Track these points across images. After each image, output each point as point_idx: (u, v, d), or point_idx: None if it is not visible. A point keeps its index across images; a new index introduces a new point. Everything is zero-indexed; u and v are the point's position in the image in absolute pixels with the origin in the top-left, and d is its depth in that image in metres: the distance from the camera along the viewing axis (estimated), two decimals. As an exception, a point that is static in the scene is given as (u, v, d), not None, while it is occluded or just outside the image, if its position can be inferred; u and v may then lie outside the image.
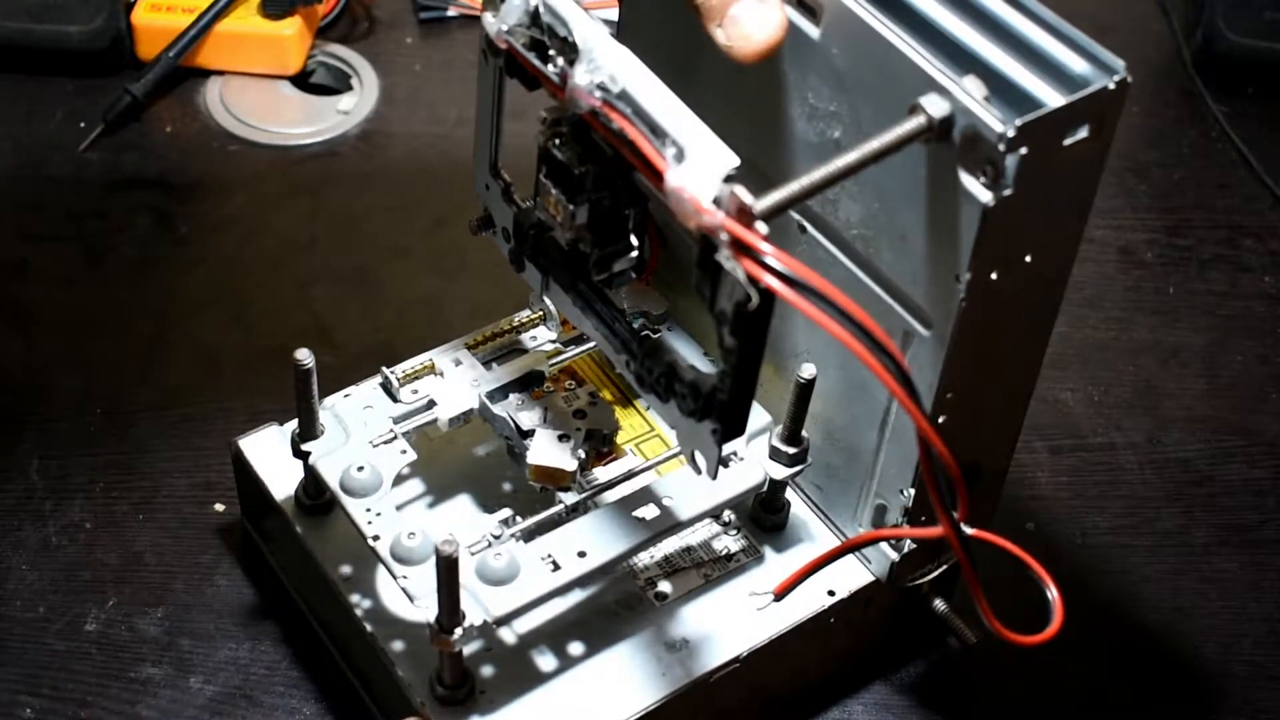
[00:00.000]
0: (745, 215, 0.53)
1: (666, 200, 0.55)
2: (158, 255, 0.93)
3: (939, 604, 0.73)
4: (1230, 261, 0.98)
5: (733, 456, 0.71)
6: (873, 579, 0.72)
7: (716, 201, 0.53)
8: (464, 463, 0.76)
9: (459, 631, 0.64)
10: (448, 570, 0.61)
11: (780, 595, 0.70)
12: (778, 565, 0.73)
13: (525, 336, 0.76)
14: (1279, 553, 0.83)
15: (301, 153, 1.00)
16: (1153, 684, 0.78)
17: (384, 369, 0.73)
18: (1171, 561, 0.83)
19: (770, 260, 0.52)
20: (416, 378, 0.73)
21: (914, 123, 0.57)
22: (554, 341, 0.76)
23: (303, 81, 1.05)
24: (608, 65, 0.57)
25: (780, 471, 0.71)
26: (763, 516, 0.74)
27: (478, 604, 0.64)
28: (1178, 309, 0.95)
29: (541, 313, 0.76)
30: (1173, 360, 0.92)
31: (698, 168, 0.54)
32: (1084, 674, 0.78)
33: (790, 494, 0.75)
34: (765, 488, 0.72)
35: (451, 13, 1.09)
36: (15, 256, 0.92)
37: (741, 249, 0.52)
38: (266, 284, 0.92)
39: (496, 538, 0.68)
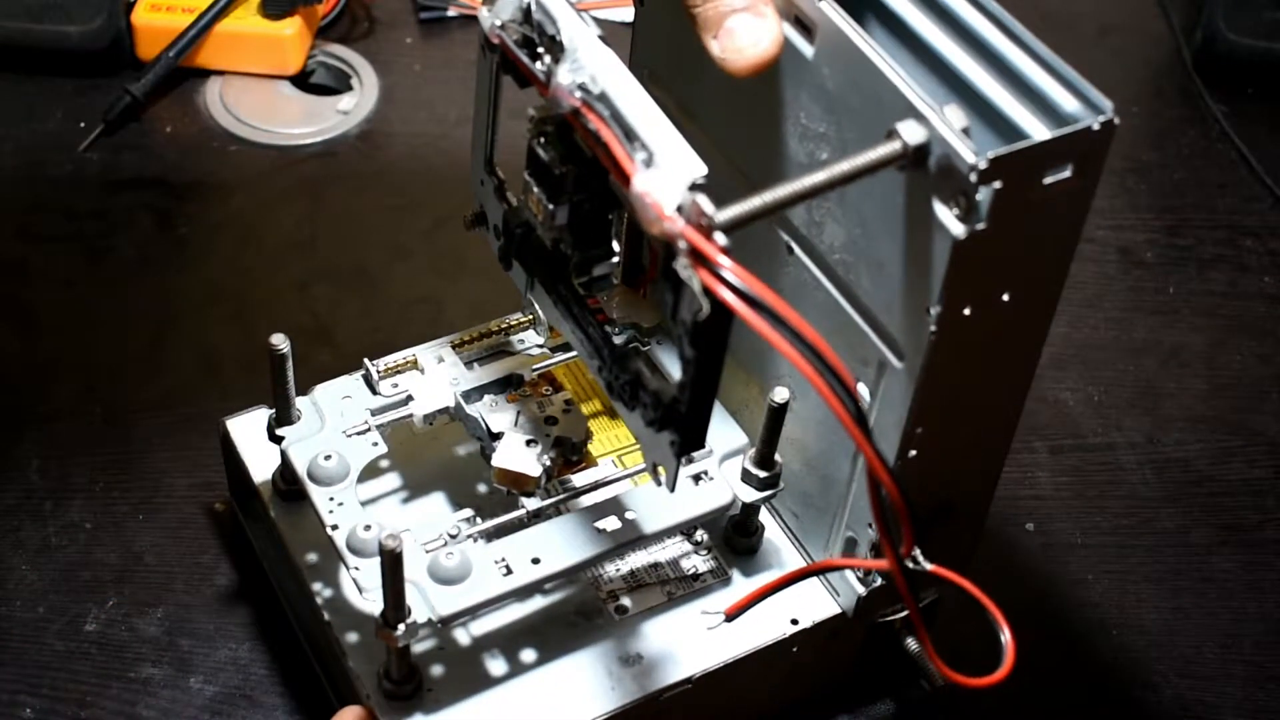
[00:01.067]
0: (705, 225, 0.52)
1: (632, 204, 0.55)
2: (158, 255, 0.93)
3: (911, 643, 0.72)
4: (1230, 261, 0.98)
5: (703, 475, 0.70)
6: (839, 611, 0.71)
7: (680, 210, 0.53)
8: (444, 461, 0.76)
9: (402, 627, 0.64)
10: (391, 565, 0.62)
11: (732, 616, 0.68)
12: (744, 589, 0.72)
13: (514, 339, 0.76)
14: (1279, 553, 0.83)
15: (301, 153, 1.00)
16: (1152, 684, 0.78)
17: (366, 361, 0.73)
18: (1171, 561, 0.83)
19: (726, 273, 0.52)
20: (398, 372, 0.73)
21: (889, 148, 0.56)
22: (541, 346, 0.76)
23: (303, 81, 1.05)
24: (590, 66, 0.57)
25: (749, 495, 0.70)
26: (735, 539, 0.73)
27: (425, 602, 0.65)
28: (1178, 309, 0.95)
29: (531, 316, 0.76)
30: (1173, 360, 0.92)
31: (665, 174, 0.54)
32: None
33: (768, 519, 0.74)
34: (738, 510, 0.71)
35: (451, 13, 1.09)
36: (15, 256, 0.92)
37: (699, 259, 0.52)
38: (266, 284, 0.92)
39: (453, 537, 0.67)
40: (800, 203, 0.56)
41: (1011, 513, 0.83)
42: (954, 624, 0.68)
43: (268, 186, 0.97)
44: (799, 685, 0.74)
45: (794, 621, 0.71)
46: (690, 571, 0.73)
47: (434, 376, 0.73)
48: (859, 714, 0.76)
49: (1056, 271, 0.61)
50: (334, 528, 0.67)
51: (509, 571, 0.66)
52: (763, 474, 0.70)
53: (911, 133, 0.56)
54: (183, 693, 0.74)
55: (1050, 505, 0.84)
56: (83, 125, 0.99)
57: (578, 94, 0.57)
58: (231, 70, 1.03)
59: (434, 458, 0.76)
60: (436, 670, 0.69)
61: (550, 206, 0.63)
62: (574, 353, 0.75)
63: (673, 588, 0.72)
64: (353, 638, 0.69)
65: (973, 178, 0.54)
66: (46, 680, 0.74)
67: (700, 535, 0.74)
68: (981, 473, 0.69)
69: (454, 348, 0.75)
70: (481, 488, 0.75)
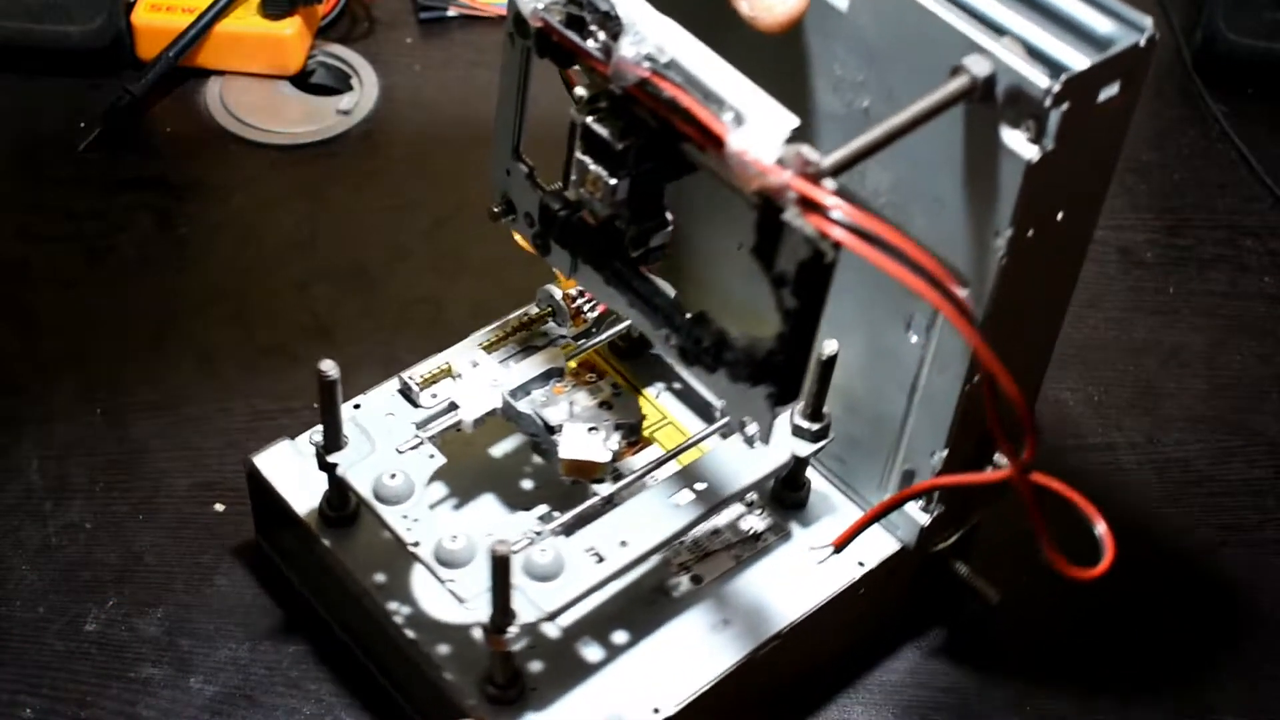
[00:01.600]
0: (812, 173, 0.54)
1: (724, 166, 0.56)
2: (158, 255, 0.93)
3: (961, 567, 0.74)
4: (1230, 261, 0.98)
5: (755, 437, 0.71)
6: (899, 547, 0.73)
7: (780, 163, 0.54)
8: (482, 464, 0.76)
9: (513, 630, 0.64)
10: (501, 570, 0.62)
11: (840, 547, 0.70)
12: (805, 540, 0.74)
13: (536, 333, 0.76)
14: (1279, 553, 0.83)
15: (301, 153, 1.00)
16: (1153, 685, 0.78)
17: (401, 375, 0.73)
18: (1171, 561, 0.83)
19: (839, 215, 0.53)
20: (434, 381, 0.73)
21: (958, 83, 0.58)
22: (564, 336, 0.76)
23: (303, 81, 1.05)
24: (654, 36, 0.58)
25: (805, 448, 0.71)
26: (785, 495, 0.75)
27: (528, 601, 0.65)
28: (1178, 309, 0.95)
29: (550, 309, 0.76)
30: (1173, 360, 0.92)
31: (759, 130, 0.55)
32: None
33: (810, 471, 0.75)
34: (787, 466, 0.72)
35: (451, 13, 1.09)
36: (15, 256, 0.92)
37: (810, 206, 0.53)
38: (266, 284, 0.92)
39: (538, 534, 0.68)
40: (891, 143, 0.58)
41: (1011, 513, 0.83)
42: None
43: (268, 186, 0.97)
44: (865, 625, 0.75)
45: (860, 564, 0.72)
46: (750, 532, 0.74)
47: (472, 380, 0.73)
48: (919, 645, 0.77)
49: (1100, 189, 0.64)
50: (416, 544, 0.66)
51: (601, 559, 0.67)
52: (815, 426, 0.71)
53: (979, 66, 0.58)
54: (183, 693, 0.74)
55: (1050, 505, 0.84)
56: (83, 125, 0.99)
57: (645, 65, 0.58)
58: (231, 70, 1.03)
59: (470, 462, 0.76)
60: (535, 667, 0.69)
61: (612, 182, 0.63)
62: (600, 337, 0.77)
63: (738, 550, 0.73)
64: (443, 650, 0.69)
65: (1047, 102, 0.56)
66: (46, 680, 0.74)
67: (750, 496, 0.75)
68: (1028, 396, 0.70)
69: (483, 349, 0.74)
70: (527, 484, 0.75)
